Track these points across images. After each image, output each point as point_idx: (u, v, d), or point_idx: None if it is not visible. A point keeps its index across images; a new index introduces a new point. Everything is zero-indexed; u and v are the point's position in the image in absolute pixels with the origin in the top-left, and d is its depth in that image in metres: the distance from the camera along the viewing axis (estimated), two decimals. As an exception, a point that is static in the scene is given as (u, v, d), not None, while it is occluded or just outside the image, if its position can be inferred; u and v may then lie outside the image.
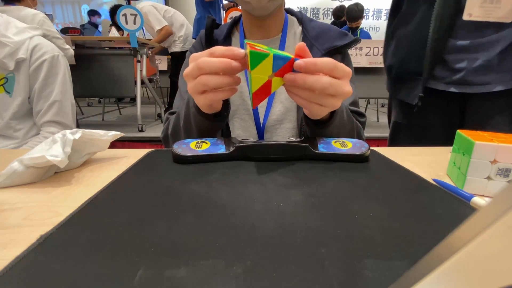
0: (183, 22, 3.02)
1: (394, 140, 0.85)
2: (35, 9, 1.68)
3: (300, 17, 0.63)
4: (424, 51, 0.69)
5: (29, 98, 0.90)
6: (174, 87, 3.13)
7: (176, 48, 3.00)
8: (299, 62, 0.33)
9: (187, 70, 0.38)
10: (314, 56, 0.57)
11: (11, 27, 0.88)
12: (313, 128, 0.46)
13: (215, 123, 0.46)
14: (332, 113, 0.44)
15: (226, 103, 0.47)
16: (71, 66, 1.09)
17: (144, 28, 2.92)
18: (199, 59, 0.36)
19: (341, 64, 0.35)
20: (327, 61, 0.34)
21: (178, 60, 3.00)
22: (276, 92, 0.60)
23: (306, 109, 0.41)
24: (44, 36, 1.69)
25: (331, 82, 0.34)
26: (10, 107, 0.87)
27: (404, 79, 0.77)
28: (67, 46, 1.88)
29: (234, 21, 0.64)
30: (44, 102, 0.90)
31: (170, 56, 3.18)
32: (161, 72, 3.36)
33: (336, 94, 0.36)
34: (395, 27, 0.78)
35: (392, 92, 0.84)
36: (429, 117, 0.75)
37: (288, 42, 0.61)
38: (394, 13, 0.79)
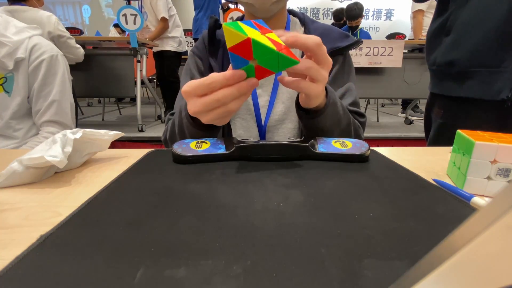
0: (180, 26, 3.02)
1: (438, 141, 0.79)
2: (41, 9, 1.69)
3: (302, 18, 0.64)
4: (501, 40, 0.62)
5: (28, 97, 0.90)
6: (171, 88, 3.06)
7: (169, 47, 2.92)
8: (288, 35, 0.37)
9: (200, 106, 0.36)
10: None
11: (11, 26, 0.88)
12: (306, 120, 0.46)
13: (208, 132, 0.46)
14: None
15: None
16: (71, 66, 1.09)
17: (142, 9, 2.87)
18: (218, 93, 0.35)
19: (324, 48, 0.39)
20: (314, 36, 0.38)
21: (171, 59, 2.97)
22: (278, 92, 0.60)
23: (295, 88, 0.40)
24: (59, 37, 1.71)
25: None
26: (9, 106, 0.87)
27: (472, 74, 0.68)
28: (78, 46, 1.90)
29: None
30: (43, 101, 0.90)
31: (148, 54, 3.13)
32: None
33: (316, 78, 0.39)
34: (453, 18, 0.70)
35: (448, 90, 0.75)
36: (482, 117, 0.69)
37: None
38: (443, 5, 0.72)
